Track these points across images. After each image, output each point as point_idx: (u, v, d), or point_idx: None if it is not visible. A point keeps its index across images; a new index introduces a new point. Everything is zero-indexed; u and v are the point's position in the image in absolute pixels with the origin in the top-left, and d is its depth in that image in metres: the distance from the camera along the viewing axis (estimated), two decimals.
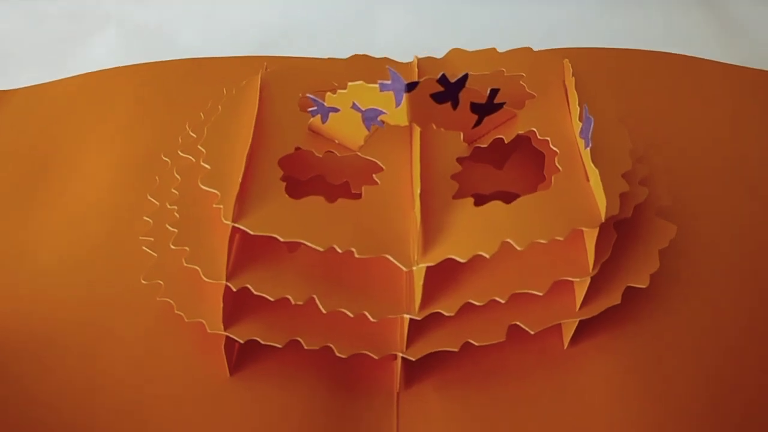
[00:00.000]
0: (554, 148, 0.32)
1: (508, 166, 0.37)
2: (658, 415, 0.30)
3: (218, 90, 0.40)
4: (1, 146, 0.46)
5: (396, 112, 0.31)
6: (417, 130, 0.33)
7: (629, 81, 0.47)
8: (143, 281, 0.33)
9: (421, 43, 0.50)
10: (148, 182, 0.39)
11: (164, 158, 0.38)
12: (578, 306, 0.30)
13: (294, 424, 0.30)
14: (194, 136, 0.36)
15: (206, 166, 0.33)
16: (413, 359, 0.30)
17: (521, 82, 0.36)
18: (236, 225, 0.30)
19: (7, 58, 0.54)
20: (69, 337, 0.34)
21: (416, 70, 0.37)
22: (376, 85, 0.30)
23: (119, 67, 0.51)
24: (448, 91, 0.31)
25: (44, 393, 0.32)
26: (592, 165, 0.30)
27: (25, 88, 0.50)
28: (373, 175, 0.32)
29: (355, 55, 0.39)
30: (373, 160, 0.33)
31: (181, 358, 0.33)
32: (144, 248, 0.34)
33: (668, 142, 0.42)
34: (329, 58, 0.41)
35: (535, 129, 0.33)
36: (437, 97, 0.31)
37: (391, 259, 0.29)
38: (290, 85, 0.36)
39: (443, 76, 0.30)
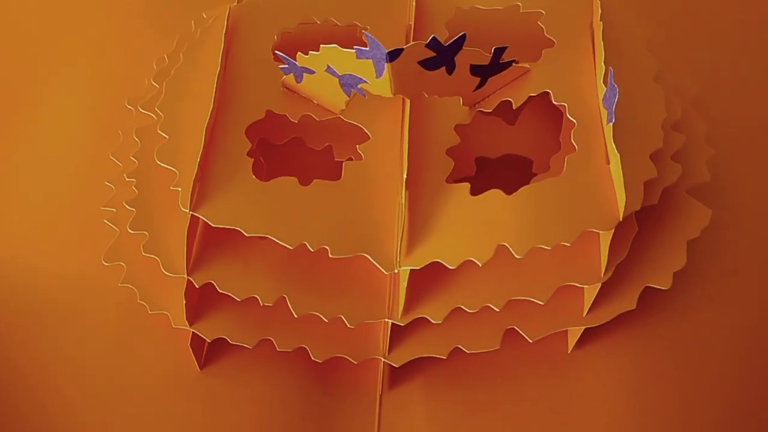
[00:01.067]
0: (571, 119, 0.27)
1: (520, 120, 0.32)
2: (674, 429, 0.27)
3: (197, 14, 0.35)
4: None
5: (378, 81, 0.27)
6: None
7: (677, 16, 0.40)
8: (104, 262, 0.30)
9: None
10: (114, 129, 0.35)
11: (128, 106, 0.34)
12: (586, 311, 0.27)
13: (268, 423, 0.28)
14: (156, 86, 0.32)
15: (163, 134, 0.29)
16: (396, 366, 0.27)
17: (539, 23, 0.30)
18: (195, 214, 0.26)
19: None
20: (34, 316, 0.32)
21: (413, 3, 0.32)
22: (353, 51, 0.25)
23: None
24: (441, 56, 0.26)
25: (10, 371, 0.31)
26: (614, 147, 0.25)
27: None
28: (357, 147, 0.28)
29: None
30: (358, 125, 0.29)
31: (151, 347, 0.30)
32: (105, 221, 0.31)
33: (719, 95, 0.36)
34: None
35: (550, 90, 0.28)
36: (428, 64, 0.26)
37: (371, 259, 0.26)
38: (263, 25, 0.31)
39: (433, 39, 0.25)
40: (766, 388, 0.28)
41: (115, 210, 0.31)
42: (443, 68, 0.26)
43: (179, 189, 0.27)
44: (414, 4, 0.32)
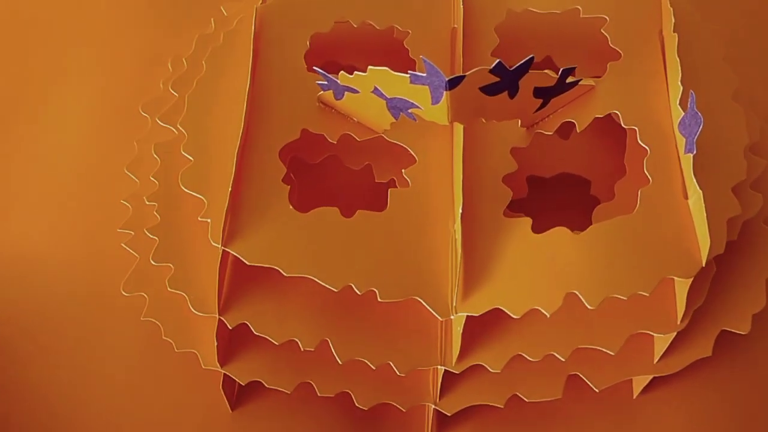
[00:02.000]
0: (644, 145, 0.25)
1: (576, 134, 0.30)
2: None
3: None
4: None
5: (433, 108, 0.24)
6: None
7: (747, 18, 0.36)
8: (123, 293, 0.28)
9: None
10: (127, 135, 0.33)
11: (142, 113, 0.31)
12: (657, 358, 0.25)
13: None
14: (175, 95, 0.29)
15: (188, 156, 0.26)
16: (449, 414, 0.26)
17: (602, 30, 0.27)
18: (227, 250, 0.24)
19: None
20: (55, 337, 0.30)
21: (460, 6, 0.29)
22: (406, 76, 0.23)
23: None
24: (505, 81, 0.23)
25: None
26: (695, 182, 0.23)
27: None
28: (403, 172, 0.26)
29: None
30: (404, 146, 0.26)
31: (179, 384, 0.29)
32: (123, 245, 0.29)
33: None
34: None
35: (618, 112, 0.25)
36: (490, 90, 0.23)
37: (424, 303, 0.24)
38: (293, 27, 0.29)
39: (499, 64, 0.22)
40: None
41: (133, 233, 0.29)
42: (505, 92, 0.24)
43: (209, 220, 0.25)
44: (461, 5, 0.29)
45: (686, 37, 0.27)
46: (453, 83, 0.23)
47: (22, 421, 0.29)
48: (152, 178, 0.28)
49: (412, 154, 0.26)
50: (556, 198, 0.29)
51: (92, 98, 0.37)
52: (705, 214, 0.23)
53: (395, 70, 0.25)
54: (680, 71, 0.25)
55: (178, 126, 0.27)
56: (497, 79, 0.23)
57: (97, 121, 0.36)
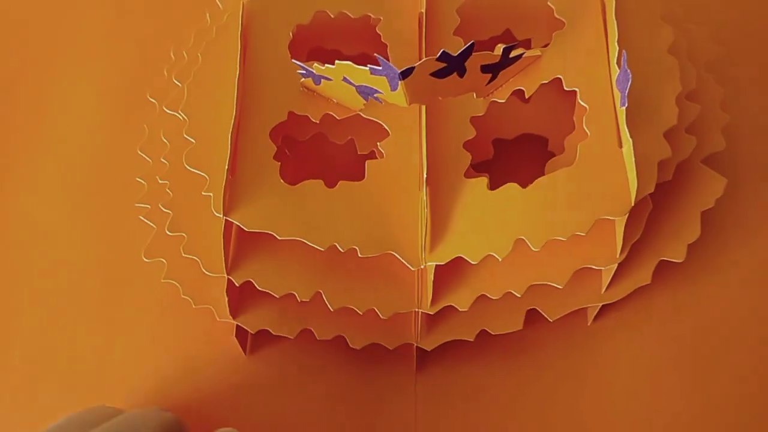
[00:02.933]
0: (583, 104, 0.29)
1: (535, 98, 0.33)
2: (692, 403, 0.30)
3: None
4: None
5: (393, 94, 0.28)
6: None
7: None
8: (144, 259, 0.32)
9: None
10: (135, 118, 0.38)
11: (150, 99, 0.36)
12: (603, 289, 0.29)
13: (312, 403, 0.32)
14: (179, 84, 0.34)
15: (190, 139, 0.31)
16: (428, 349, 0.30)
17: (549, 3, 0.31)
18: (228, 219, 0.29)
19: None
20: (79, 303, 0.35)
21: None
22: (366, 69, 0.27)
23: None
24: (452, 65, 0.27)
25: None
26: (627, 132, 0.27)
27: None
28: (378, 144, 0.30)
29: None
30: (378, 121, 0.30)
31: (199, 336, 0.33)
32: (141, 218, 0.33)
33: (738, 57, 0.37)
34: None
35: (561, 76, 0.29)
36: (440, 74, 0.27)
37: (398, 256, 0.28)
38: (278, 19, 0.33)
39: (443, 53, 0.26)
40: None
41: (149, 206, 0.33)
42: (455, 74, 0.28)
43: (211, 194, 0.29)
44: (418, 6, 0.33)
45: (624, 1, 0.30)
46: (405, 74, 0.27)
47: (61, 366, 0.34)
48: (163, 160, 0.33)
49: (386, 128, 0.31)
50: (519, 157, 0.33)
51: (99, 85, 0.41)
52: (634, 159, 0.27)
53: (372, 53, 0.30)
54: (617, 32, 0.29)
55: (179, 111, 0.31)
56: (445, 65, 0.27)
57: (104, 106, 0.40)
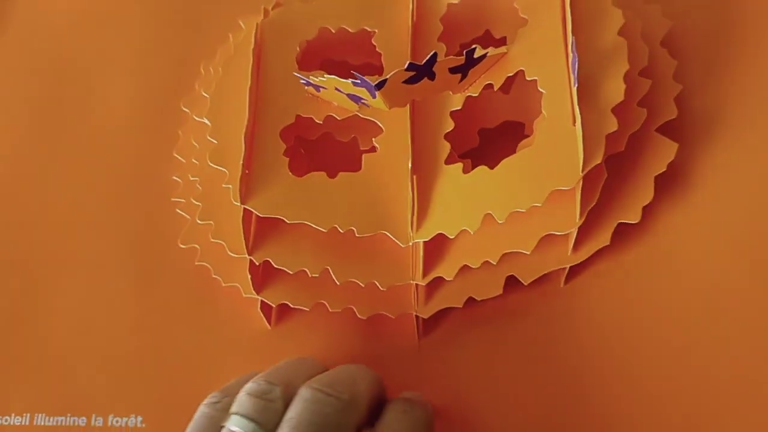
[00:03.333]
0: (541, 90, 0.33)
1: (514, 88, 0.38)
2: (665, 345, 0.33)
3: (231, 14, 0.42)
4: (14, 62, 0.50)
5: (374, 101, 0.33)
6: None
7: None
8: (180, 245, 0.38)
9: None
10: (168, 122, 0.43)
11: (184, 108, 0.41)
12: (569, 251, 0.34)
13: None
14: (206, 96, 0.39)
15: (213, 140, 0.36)
16: (425, 317, 0.35)
17: (514, 4, 0.36)
18: (245, 206, 0.34)
19: None
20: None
21: (413, 5, 0.38)
22: (349, 82, 0.32)
23: None
24: (421, 73, 0.32)
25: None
26: (578, 108, 0.31)
27: None
28: (373, 140, 0.35)
29: None
30: (373, 119, 0.35)
31: (228, 311, 0.38)
32: (178, 210, 0.39)
33: (690, 32, 0.40)
34: None
35: (524, 68, 0.34)
36: (412, 81, 0.32)
37: (390, 235, 0.33)
38: (286, 36, 0.39)
39: (410, 64, 0.31)
40: (740, 302, 0.34)
41: (184, 201, 0.39)
42: (425, 78, 0.33)
43: (230, 186, 0.35)
44: (414, 5, 0.38)
45: None
46: (378, 86, 0.32)
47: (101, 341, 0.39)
48: (194, 160, 0.38)
49: (380, 126, 0.36)
50: (501, 143, 0.37)
51: (141, 96, 0.46)
52: (582, 134, 0.31)
53: (375, 62, 0.35)
54: (571, 23, 0.34)
55: (204, 119, 0.37)
56: (414, 73, 0.32)
57: (144, 115, 0.45)
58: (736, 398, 0.32)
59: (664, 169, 0.34)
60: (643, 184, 0.34)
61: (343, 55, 0.41)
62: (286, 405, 0.29)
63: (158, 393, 0.38)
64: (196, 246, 0.38)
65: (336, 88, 0.34)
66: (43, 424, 0.37)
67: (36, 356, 0.39)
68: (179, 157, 0.40)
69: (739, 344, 0.33)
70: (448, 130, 0.34)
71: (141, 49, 0.48)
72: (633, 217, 0.34)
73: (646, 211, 0.34)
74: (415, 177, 0.33)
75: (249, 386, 0.30)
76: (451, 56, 0.32)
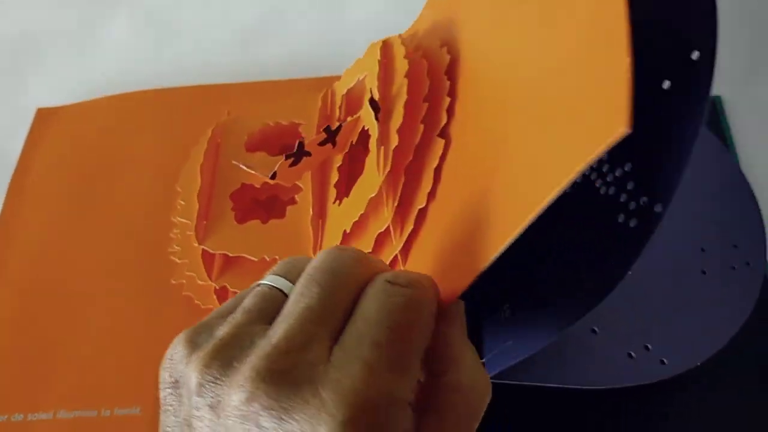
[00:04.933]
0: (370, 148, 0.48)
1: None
2: None
3: (217, 115, 0.60)
4: (58, 158, 0.66)
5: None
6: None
7: None
8: (173, 281, 0.54)
9: (392, 23, 0.58)
10: (171, 197, 0.59)
11: (178, 189, 0.58)
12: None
13: None
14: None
15: (182, 202, 0.53)
16: None
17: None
18: (202, 246, 0.50)
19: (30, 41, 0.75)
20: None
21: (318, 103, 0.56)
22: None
23: (145, 91, 0.69)
24: (298, 154, 0.46)
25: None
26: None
27: (68, 106, 0.68)
28: (295, 196, 0.51)
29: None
30: (298, 184, 0.52)
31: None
32: (171, 257, 0.55)
33: None
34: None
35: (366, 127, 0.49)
36: (295, 162, 0.46)
37: None
38: (238, 130, 0.56)
39: (286, 155, 0.45)
40: None
41: (179, 249, 0.55)
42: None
43: (192, 233, 0.51)
44: (321, 103, 0.55)
45: None
46: (272, 177, 0.45)
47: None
48: (180, 218, 0.55)
49: (300, 186, 0.51)
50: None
51: (148, 181, 0.63)
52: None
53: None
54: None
55: (177, 187, 0.55)
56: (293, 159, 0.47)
57: (151, 193, 0.61)
58: None
59: None
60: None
61: (288, 140, 0.57)
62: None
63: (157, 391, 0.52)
64: (183, 281, 0.54)
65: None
66: (63, 417, 0.52)
67: (61, 364, 0.54)
68: (175, 220, 0.57)
69: None
70: (335, 181, 0.49)
71: (151, 149, 0.65)
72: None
73: None
74: (320, 221, 0.49)
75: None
76: (315, 136, 0.47)
